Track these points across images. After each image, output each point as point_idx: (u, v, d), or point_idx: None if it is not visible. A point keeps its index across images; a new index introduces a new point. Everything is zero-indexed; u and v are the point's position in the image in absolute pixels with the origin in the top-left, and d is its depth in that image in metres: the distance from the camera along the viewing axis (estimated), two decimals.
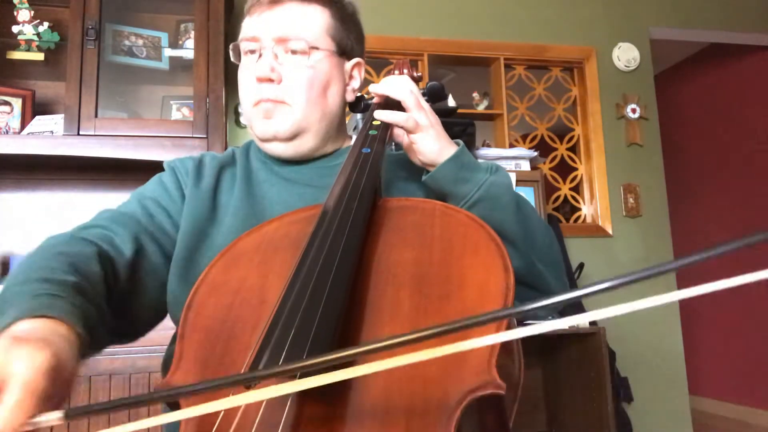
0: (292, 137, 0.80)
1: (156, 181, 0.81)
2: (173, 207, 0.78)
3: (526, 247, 0.73)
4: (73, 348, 0.46)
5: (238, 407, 0.43)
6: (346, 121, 0.92)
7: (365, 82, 0.89)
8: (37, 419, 0.38)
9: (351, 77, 0.86)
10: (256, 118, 0.80)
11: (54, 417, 0.37)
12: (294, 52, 0.78)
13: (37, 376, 0.39)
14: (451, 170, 0.73)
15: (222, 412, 0.43)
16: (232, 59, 0.82)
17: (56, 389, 0.40)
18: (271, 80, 0.77)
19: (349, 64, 0.85)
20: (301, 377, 0.33)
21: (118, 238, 0.69)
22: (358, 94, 0.89)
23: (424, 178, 0.76)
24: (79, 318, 0.50)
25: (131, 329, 0.71)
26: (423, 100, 0.77)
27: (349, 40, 0.84)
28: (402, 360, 0.32)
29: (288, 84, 0.78)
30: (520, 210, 0.75)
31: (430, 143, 0.74)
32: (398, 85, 0.76)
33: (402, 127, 0.75)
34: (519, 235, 0.73)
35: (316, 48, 0.79)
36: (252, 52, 0.80)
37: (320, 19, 0.80)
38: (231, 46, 0.82)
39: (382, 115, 0.75)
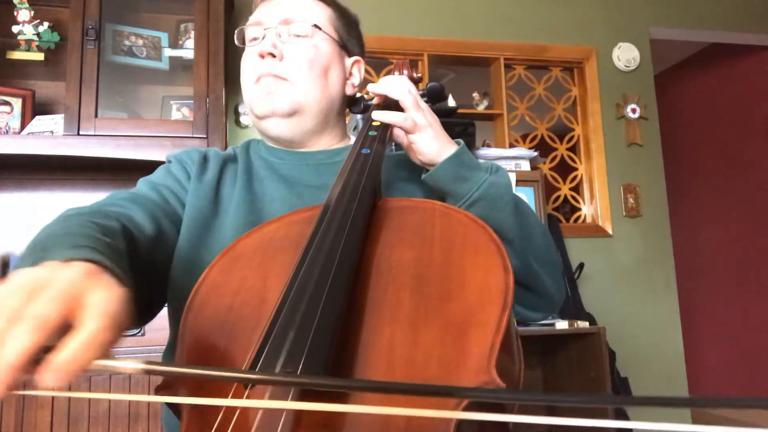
0: (290, 114, 0.80)
1: (165, 171, 0.81)
2: (185, 196, 0.78)
3: (523, 248, 0.74)
4: None
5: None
6: (346, 122, 0.93)
7: (365, 82, 0.90)
8: (116, 364, 0.33)
9: (351, 74, 0.88)
10: (257, 96, 0.80)
11: (135, 367, 0.33)
12: (297, 35, 0.80)
13: (118, 308, 0.35)
14: (450, 169, 0.73)
15: (222, 411, 0.43)
16: (236, 43, 0.84)
17: (119, 335, 0.36)
18: (273, 55, 0.78)
19: (349, 61, 0.87)
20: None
21: (138, 218, 0.68)
22: (358, 94, 0.89)
23: (423, 176, 0.76)
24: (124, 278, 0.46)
25: (145, 310, 0.70)
26: (421, 100, 0.77)
27: (350, 37, 0.87)
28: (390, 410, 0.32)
29: (290, 61, 0.79)
30: (518, 210, 0.75)
31: (428, 143, 0.74)
32: (396, 84, 0.76)
33: (400, 127, 0.75)
34: (517, 235, 0.73)
35: (319, 28, 0.81)
36: (256, 39, 0.82)
37: (323, 10, 0.84)
38: (236, 31, 0.84)
39: (380, 116, 0.75)
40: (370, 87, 0.80)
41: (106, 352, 0.34)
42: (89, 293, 0.35)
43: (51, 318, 0.33)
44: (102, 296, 0.35)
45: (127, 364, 0.34)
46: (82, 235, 0.49)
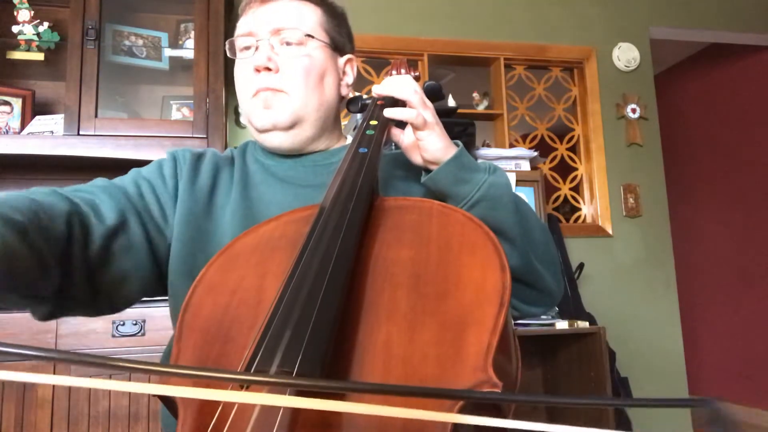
0: (291, 126, 0.80)
1: (156, 166, 0.82)
2: (165, 196, 0.78)
3: (524, 246, 0.74)
4: None
5: (233, 405, 0.43)
6: (346, 122, 0.92)
7: (365, 83, 0.90)
8: None
9: (344, 73, 0.88)
10: (255, 110, 0.80)
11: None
12: (289, 43, 0.80)
13: None
14: (450, 172, 0.74)
15: (217, 412, 0.43)
16: (228, 54, 0.84)
17: None
18: (268, 69, 0.78)
19: (342, 60, 0.87)
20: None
21: (104, 206, 0.69)
22: (356, 94, 0.89)
23: (423, 179, 0.77)
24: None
25: (104, 302, 0.70)
26: (426, 99, 0.77)
27: (341, 36, 0.86)
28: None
29: (285, 73, 0.79)
30: (518, 209, 0.75)
31: (435, 141, 0.74)
32: (402, 85, 0.77)
33: (411, 124, 0.75)
34: (518, 234, 0.74)
35: (312, 37, 0.81)
36: (247, 48, 0.81)
37: (313, 14, 0.83)
38: (227, 43, 0.83)
39: (391, 113, 0.75)
40: (375, 89, 0.80)
41: None
42: None
43: None
44: None
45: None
46: None
